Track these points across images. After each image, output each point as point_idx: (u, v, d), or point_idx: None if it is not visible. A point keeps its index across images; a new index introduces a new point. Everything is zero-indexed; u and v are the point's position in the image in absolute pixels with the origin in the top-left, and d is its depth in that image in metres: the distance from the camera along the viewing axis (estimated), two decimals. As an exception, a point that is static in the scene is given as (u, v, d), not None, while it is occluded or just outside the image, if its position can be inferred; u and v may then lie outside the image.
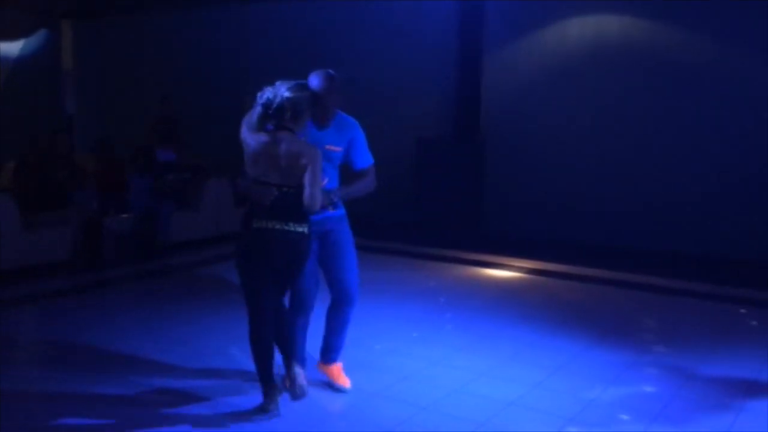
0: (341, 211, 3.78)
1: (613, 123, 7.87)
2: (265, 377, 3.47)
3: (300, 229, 3.40)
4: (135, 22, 11.93)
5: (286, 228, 3.36)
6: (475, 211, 8.61)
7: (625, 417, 3.61)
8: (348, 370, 3.96)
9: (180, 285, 6.47)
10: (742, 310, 5.56)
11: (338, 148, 3.66)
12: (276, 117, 3.33)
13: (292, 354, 3.51)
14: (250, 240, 3.42)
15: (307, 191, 3.31)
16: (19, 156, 7.80)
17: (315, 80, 3.52)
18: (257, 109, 3.35)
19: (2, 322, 5.25)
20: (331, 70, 3.58)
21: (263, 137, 3.34)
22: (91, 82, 12.85)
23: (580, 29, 8.02)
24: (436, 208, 8.57)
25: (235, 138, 3.58)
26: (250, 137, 3.36)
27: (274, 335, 3.49)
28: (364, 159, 3.79)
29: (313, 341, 3.95)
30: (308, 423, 3.52)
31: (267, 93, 3.34)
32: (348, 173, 3.82)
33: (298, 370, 3.47)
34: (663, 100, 7.56)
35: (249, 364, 3.80)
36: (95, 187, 7.79)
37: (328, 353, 3.89)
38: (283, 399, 3.52)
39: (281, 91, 3.32)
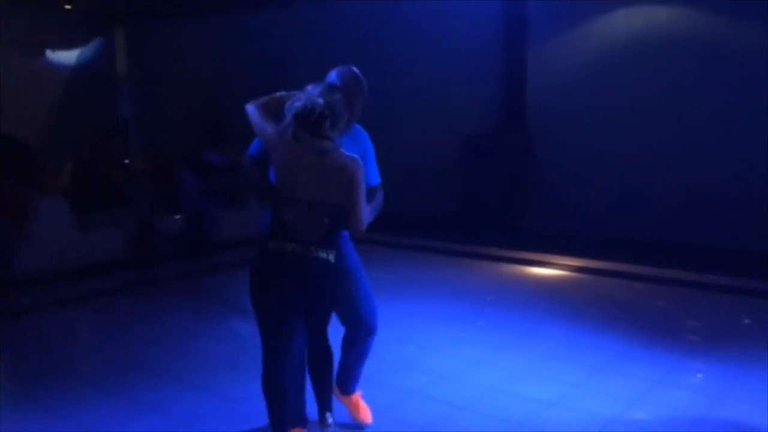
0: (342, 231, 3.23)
1: (660, 117, 7.70)
2: (277, 427, 3.02)
3: (324, 256, 2.87)
4: (185, 27, 12.23)
5: (308, 253, 2.85)
6: (520, 208, 8.54)
7: (666, 419, 3.55)
8: (387, 369, 4.00)
9: (228, 282, 6.63)
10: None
11: None
12: (316, 126, 2.81)
13: (328, 405, 3.09)
14: (264, 264, 2.92)
15: (359, 211, 2.83)
16: (75, 159, 8.10)
17: (338, 78, 3.09)
18: (288, 119, 2.85)
19: (58, 319, 5.49)
20: (354, 68, 3.17)
21: (300, 148, 2.82)
22: (144, 86, 13.22)
23: (626, 21, 7.87)
24: (482, 206, 8.53)
25: None
26: (282, 145, 2.86)
27: (313, 381, 3.09)
28: (374, 176, 3.27)
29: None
30: (347, 418, 3.56)
31: (299, 101, 2.84)
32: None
33: (330, 420, 3.08)
34: (714, 93, 7.34)
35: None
36: (148, 188, 8.05)
37: (347, 383, 3.49)
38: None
39: (315, 97, 2.82)
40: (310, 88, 2.88)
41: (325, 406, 3.07)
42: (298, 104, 2.83)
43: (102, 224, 7.05)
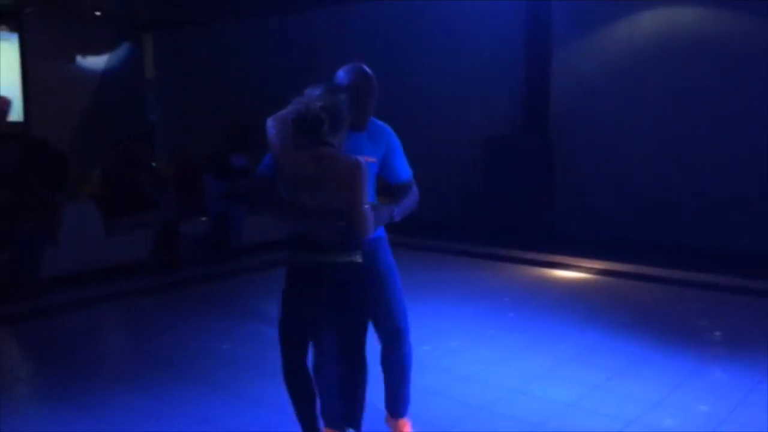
0: (377, 233, 3.13)
1: (686, 119, 7.62)
2: (303, 419, 3.07)
3: (348, 259, 2.80)
4: (212, 33, 12.40)
5: (332, 260, 2.79)
6: (543, 210, 8.51)
7: (685, 424, 3.53)
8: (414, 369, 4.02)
9: (251, 285, 6.71)
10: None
11: (373, 159, 3.05)
12: (312, 131, 2.72)
13: (353, 423, 3.01)
14: (293, 278, 2.91)
15: (358, 215, 2.72)
16: (104, 164, 8.27)
17: (346, 76, 2.99)
18: (287, 125, 2.77)
19: (86, 320, 5.62)
20: (364, 65, 3.07)
21: (301, 156, 2.74)
22: (171, 91, 13.43)
23: (651, 23, 7.81)
24: (505, 208, 8.53)
25: None
26: (285, 155, 2.79)
27: (343, 399, 3.01)
28: (405, 169, 3.19)
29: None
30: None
31: (295, 105, 2.76)
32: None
33: None
34: (741, 94, 7.25)
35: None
36: (173, 192, 8.17)
37: (394, 404, 3.32)
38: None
39: (314, 100, 2.73)
40: (309, 90, 2.79)
41: (353, 422, 3.02)
42: (293, 107, 2.76)
43: (128, 228, 7.18)
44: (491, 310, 5.53)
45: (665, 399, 3.80)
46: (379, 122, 3.17)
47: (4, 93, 10.70)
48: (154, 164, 8.72)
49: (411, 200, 3.14)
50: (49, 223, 6.49)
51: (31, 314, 5.67)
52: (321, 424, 3.12)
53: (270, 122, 2.85)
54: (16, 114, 11.14)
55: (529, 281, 6.51)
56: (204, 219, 7.96)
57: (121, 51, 12.93)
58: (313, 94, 2.75)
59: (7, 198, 6.53)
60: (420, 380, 4.01)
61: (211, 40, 12.50)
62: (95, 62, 12.59)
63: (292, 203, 2.81)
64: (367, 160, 2.88)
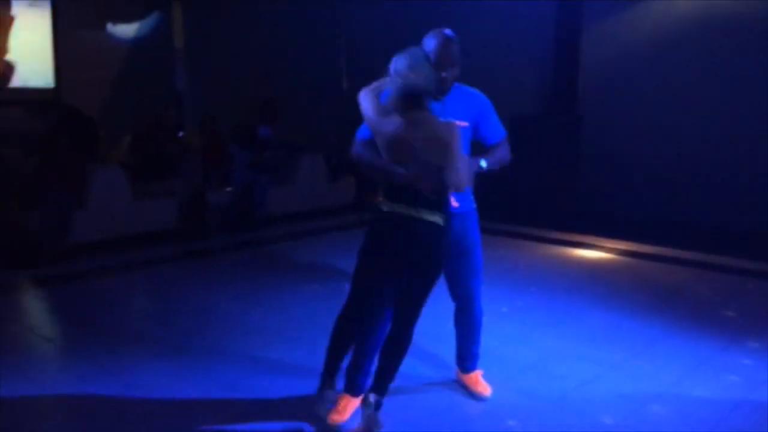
0: (470, 205, 3.44)
1: (718, 100, 7.49)
2: (327, 367, 3.28)
3: (432, 219, 2.97)
4: (241, 3, 12.38)
5: (416, 215, 2.96)
6: (570, 189, 8.45)
7: (701, 404, 3.53)
8: (426, 343, 4.07)
9: (274, 256, 6.79)
10: None
11: (465, 123, 3.25)
12: (413, 102, 2.94)
13: (380, 389, 3.11)
14: (376, 225, 3.10)
15: (454, 171, 2.89)
16: (133, 131, 8.37)
17: (430, 43, 3.18)
18: (388, 94, 3.01)
19: (112, 285, 5.74)
20: (448, 30, 3.25)
21: (397, 121, 2.95)
22: (200, 60, 13.46)
23: (685, 2, 7.65)
24: (531, 186, 8.48)
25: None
26: (381, 122, 2.99)
27: (380, 360, 3.13)
28: (497, 132, 3.39)
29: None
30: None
31: (391, 80, 2.98)
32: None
33: (372, 400, 3.09)
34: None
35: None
36: (200, 160, 8.26)
37: (464, 362, 3.67)
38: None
39: (405, 70, 2.93)
40: (396, 58, 2.99)
41: (376, 387, 3.11)
42: (394, 84, 2.96)
43: (155, 195, 7.28)
44: (513, 288, 5.55)
45: (681, 380, 3.81)
46: (469, 88, 3.39)
47: (36, 60, 10.87)
48: (181, 133, 8.80)
49: (501, 153, 3.37)
50: (78, 189, 6.61)
51: (59, 278, 5.80)
52: (340, 386, 3.25)
53: (362, 95, 3.09)
54: (45, 81, 11.29)
55: (551, 260, 6.51)
56: (229, 189, 8.04)
57: (151, 19, 12.97)
58: (403, 67, 2.95)
59: (38, 163, 6.65)
60: (439, 354, 4.07)
61: (241, 11, 12.48)
62: (125, 31, 12.65)
63: (391, 166, 3.00)
64: (460, 125, 3.10)
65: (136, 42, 12.78)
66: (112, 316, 4.95)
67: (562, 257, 6.63)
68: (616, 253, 6.64)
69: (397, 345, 3.11)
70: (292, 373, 3.85)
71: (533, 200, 8.36)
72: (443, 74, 3.14)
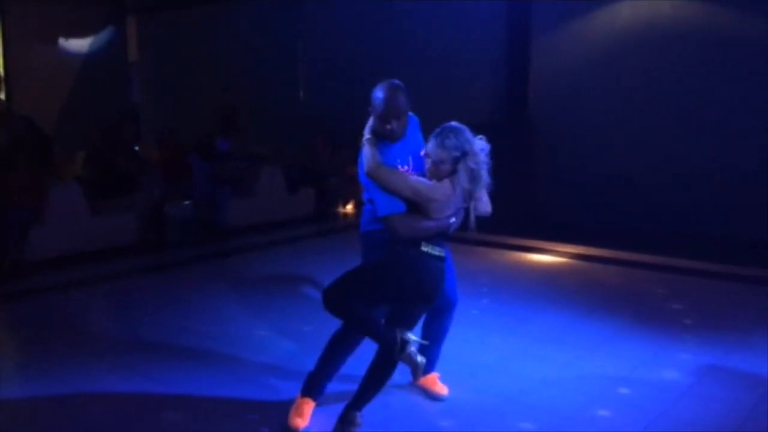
0: None
1: (662, 108, 7.82)
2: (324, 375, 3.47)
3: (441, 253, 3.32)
4: (195, 15, 12.40)
5: (441, 254, 3.30)
6: (523, 196, 8.69)
7: (649, 396, 3.73)
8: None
9: (236, 268, 6.84)
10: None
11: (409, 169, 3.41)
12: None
13: (361, 405, 3.26)
14: (410, 264, 3.19)
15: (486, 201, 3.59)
16: (88, 146, 8.33)
17: (379, 94, 3.35)
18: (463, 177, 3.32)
19: (71, 300, 5.72)
20: (395, 81, 3.43)
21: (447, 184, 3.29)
22: (155, 73, 13.41)
23: (631, 12, 7.97)
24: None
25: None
26: (444, 191, 3.27)
27: (367, 377, 3.27)
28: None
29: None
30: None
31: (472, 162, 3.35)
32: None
33: (359, 421, 3.23)
34: (716, 83, 7.45)
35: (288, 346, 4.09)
36: (158, 174, 8.26)
37: (430, 363, 3.73)
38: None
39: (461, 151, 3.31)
40: (449, 142, 3.28)
41: (358, 404, 3.23)
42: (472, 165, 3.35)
43: (114, 210, 7.27)
44: (468, 293, 5.67)
45: (630, 374, 4.01)
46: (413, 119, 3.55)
47: (-13, 74, 10.67)
48: (137, 147, 8.78)
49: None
50: (36, 204, 6.56)
51: (18, 294, 5.76)
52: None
53: (385, 173, 3.26)
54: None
55: (505, 265, 6.70)
56: (189, 202, 8.06)
57: (105, 34, 12.87)
58: (453, 145, 3.31)
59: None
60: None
61: (195, 23, 12.51)
62: (78, 45, 12.52)
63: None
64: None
65: (90, 56, 12.68)
66: (71, 331, 4.94)
67: (516, 262, 6.83)
68: (569, 257, 6.86)
69: (387, 370, 3.24)
70: (250, 381, 3.95)
71: (488, 207, 8.56)
72: (392, 125, 3.28)
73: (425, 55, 9.54)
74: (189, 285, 6.18)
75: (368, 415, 3.26)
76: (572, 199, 8.40)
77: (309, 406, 3.42)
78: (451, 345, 4.42)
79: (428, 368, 3.73)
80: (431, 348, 3.70)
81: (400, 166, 3.29)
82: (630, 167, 8.04)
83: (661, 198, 7.81)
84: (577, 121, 8.40)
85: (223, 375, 4.05)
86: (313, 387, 3.44)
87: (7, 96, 8.96)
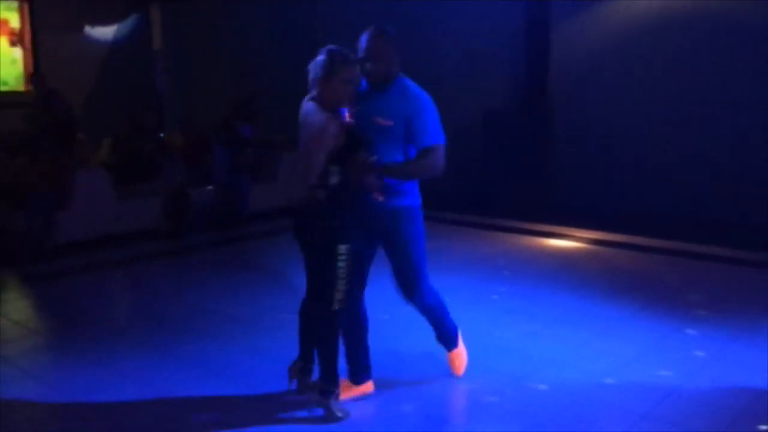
0: (402, 201, 3.33)
1: (682, 93, 7.76)
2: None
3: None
4: (218, 4, 12.51)
5: None
6: (541, 182, 8.70)
7: (660, 377, 3.77)
8: (399, 327, 4.28)
9: (256, 252, 6.96)
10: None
11: (389, 122, 3.21)
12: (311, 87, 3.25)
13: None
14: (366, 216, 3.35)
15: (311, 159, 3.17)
16: (114, 133, 8.49)
17: (363, 36, 3.27)
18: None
19: (96, 282, 5.89)
20: (387, 27, 3.32)
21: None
22: (179, 61, 13.57)
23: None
24: (503, 180, 8.71)
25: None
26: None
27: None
28: (425, 138, 3.25)
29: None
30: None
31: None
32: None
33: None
34: (736, 69, 7.39)
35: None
36: (181, 160, 8.40)
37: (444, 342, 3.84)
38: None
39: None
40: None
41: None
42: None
43: (138, 195, 7.42)
44: (485, 277, 5.76)
45: (640, 356, 4.05)
46: (412, 87, 3.34)
47: (11, 62, 10.88)
48: (161, 134, 8.93)
49: (419, 163, 3.27)
50: (63, 190, 6.74)
51: (45, 277, 5.94)
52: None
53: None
54: (16, 79, 11.35)
55: (523, 250, 6.73)
56: (211, 188, 8.18)
57: (130, 22, 13.06)
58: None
59: (23, 164, 6.78)
60: (411, 341, 4.28)
61: (218, 11, 12.62)
62: (104, 33, 12.72)
63: None
64: (380, 123, 3.20)
65: (115, 44, 12.87)
66: (95, 312, 5.11)
67: (533, 247, 6.86)
68: (586, 242, 6.88)
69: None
70: (268, 357, 4.05)
71: (505, 192, 8.59)
72: (369, 66, 3.19)
73: (445, 43, 9.56)
74: (210, 268, 6.32)
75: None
76: (590, 185, 8.39)
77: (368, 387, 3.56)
78: (467, 326, 4.52)
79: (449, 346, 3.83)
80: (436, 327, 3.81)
81: (380, 119, 3.19)
82: (647, 153, 8.01)
83: (678, 184, 7.77)
84: (596, 107, 8.38)
85: (239, 351, 4.16)
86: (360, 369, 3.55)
87: (36, 83, 9.15)
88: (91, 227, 6.89)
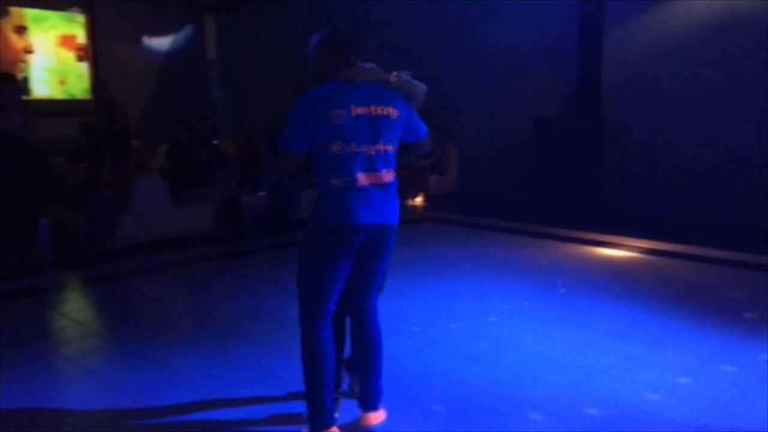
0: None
1: (736, 100, 7.59)
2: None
3: None
4: (270, 13, 12.77)
5: None
6: (593, 189, 8.60)
7: (710, 393, 3.69)
8: (456, 338, 4.29)
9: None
10: None
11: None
12: None
13: None
14: None
15: None
16: (170, 140, 8.76)
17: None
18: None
19: (153, 285, 6.08)
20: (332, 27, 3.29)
21: None
22: (232, 69, 13.89)
23: (706, 2, 7.76)
24: (555, 187, 8.65)
25: None
26: None
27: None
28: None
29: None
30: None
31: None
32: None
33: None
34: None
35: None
36: (234, 167, 8.60)
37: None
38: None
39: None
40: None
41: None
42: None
43: (193, 200, 7.63)
44: (536, 285, 5.73)
45: (693, 370, 3.97)
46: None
47: (75, 72, 11.28)
48: (215, 141, 9.16)
49: None
50: (122, 194, 6.98)
51: (105, 278, 6.16)
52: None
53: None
54: (82, 92, 11.76)
55: (575, 259, 6.66)
56: (263, 193, 8.35)
57: (185, 32, 13.43)
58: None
59: (86, 170, 7.05)
60: (462, 346, 4.30)
61: (270, 21, 12.88)
62: (161, 44, 13.13)
63: None
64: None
65: (171, 53, 13.26)
66: (152, 313, 5.27)
67: (585, 256, 6.78)
68: (639, 252, 6.77)
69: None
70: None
71: (558, 200, 8.53)
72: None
73: (498, 48, 9.55)
74: (261, 271, 6.45)
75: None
76: (642, 193, 8.26)
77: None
78: (517, 335, 4.52)
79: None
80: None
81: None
82: (702, 161, 7.84)
83: (733, 192, 7.59)
84: (650, 113, 8.25)
85: (290, 354, 4.23)
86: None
87: (97, 91, 9.51)
88: (148, 231, 7.11)
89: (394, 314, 4.68)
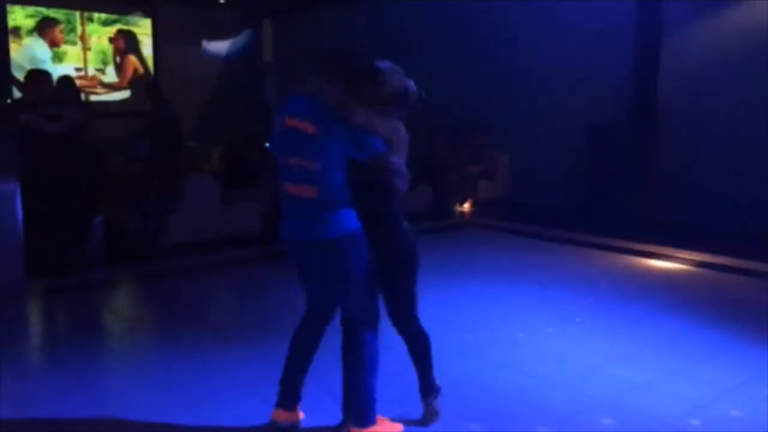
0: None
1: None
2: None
3: None
4: (326, 18, 12.91)
5: None
6: (647, 198, 8.40)
7: (756, 414, 3.55)
8: (493, 345, 4.29)
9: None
10: None
11: None
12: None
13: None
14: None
15: None
16: (225, 143, 8.97)
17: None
18: None
19: (201, 283, 6.22)
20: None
21: None
22: (289, 74, 14.08)
23: (766, 10, 7.48)
24: (608, 195, 8.47)
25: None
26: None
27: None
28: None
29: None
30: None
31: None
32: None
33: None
34: None
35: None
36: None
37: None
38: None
39: None
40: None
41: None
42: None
43: (241, 201, 7.76)
44: (581, 294, 5.62)
45: (739, 387, 3.83)
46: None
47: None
48: (267, 144, 9.30)
49: None
50: (175, 194, 7.17)
51: (155, 275, 6.34)
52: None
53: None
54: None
55: (625, 269, 6.51)
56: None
57: (242, 36, 13.69)
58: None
59: (141, 170, 7.27)
60: (500, 355, 4.25)
61: (324, 25, 13.02)
62: (218, 47, 13.42)
63: None
64: None
65: (229, 57, 13.55)
66: (199, 310, 5.40)
67: (635, 267, 6.62)
68: (691, 264, 6.57)
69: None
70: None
71: (610, 208, 8.34)
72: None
73: (553, 54, 9.42)
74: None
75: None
76: (699, 202, 8.01)
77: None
78: (558, 344, 4.45)
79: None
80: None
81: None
82: (759, 174, 7.55)
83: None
84: (707, 123, 8.00)
85: (333, 353, 4.27)
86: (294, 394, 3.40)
87: (149, 93, 9.76)
88: (198, 230, 7.27)
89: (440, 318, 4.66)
